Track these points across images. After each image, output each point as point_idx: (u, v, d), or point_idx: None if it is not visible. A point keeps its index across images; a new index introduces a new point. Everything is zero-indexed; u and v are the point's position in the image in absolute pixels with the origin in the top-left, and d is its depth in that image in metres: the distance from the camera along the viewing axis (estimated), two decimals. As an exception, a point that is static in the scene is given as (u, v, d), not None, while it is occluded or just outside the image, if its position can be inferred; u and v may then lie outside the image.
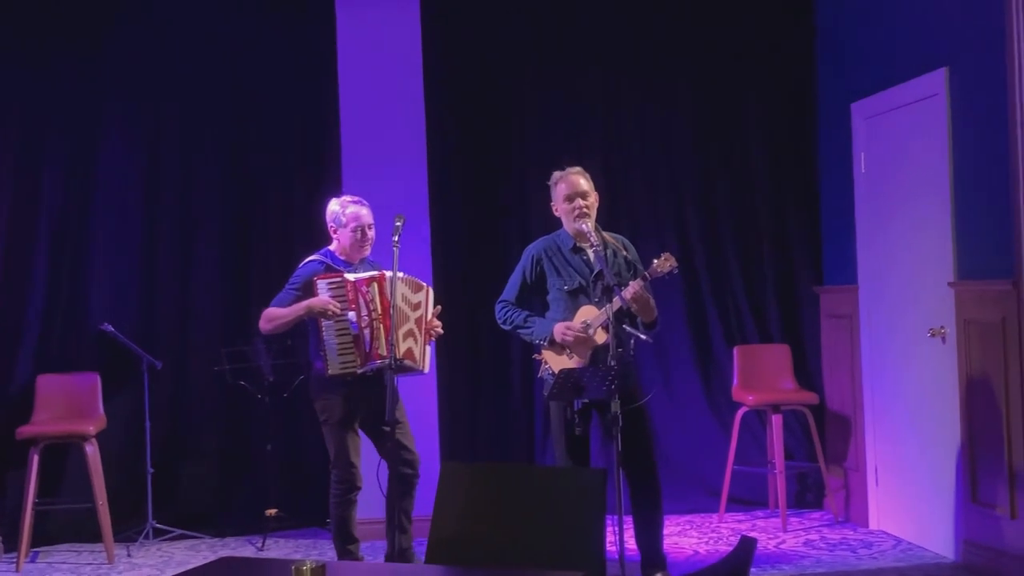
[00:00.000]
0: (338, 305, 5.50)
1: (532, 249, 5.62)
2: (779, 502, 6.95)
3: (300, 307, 5.57)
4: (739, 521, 7.13)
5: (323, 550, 6.60)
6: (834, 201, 7.24)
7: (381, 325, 5.46)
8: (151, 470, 6.83)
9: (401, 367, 5.47)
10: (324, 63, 7.11)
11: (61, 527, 6.99)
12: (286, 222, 7.35)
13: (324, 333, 5.52)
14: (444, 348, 6.93)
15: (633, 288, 5.18)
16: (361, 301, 5.49)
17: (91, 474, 6.56)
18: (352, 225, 5.67)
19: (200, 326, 7.33)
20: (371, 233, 5.74)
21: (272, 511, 6.85)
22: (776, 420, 6.92)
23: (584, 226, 5.37)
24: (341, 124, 6.99)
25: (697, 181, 7.56)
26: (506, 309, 5.60)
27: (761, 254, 7.55)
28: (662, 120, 7.57)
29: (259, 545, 6.80)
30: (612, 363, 5.02)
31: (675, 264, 5.22)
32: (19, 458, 6.61)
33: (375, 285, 5.51)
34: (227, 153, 7.39)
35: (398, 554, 5.57)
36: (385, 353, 5.37)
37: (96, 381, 6.89)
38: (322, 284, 5.55)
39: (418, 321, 5.63)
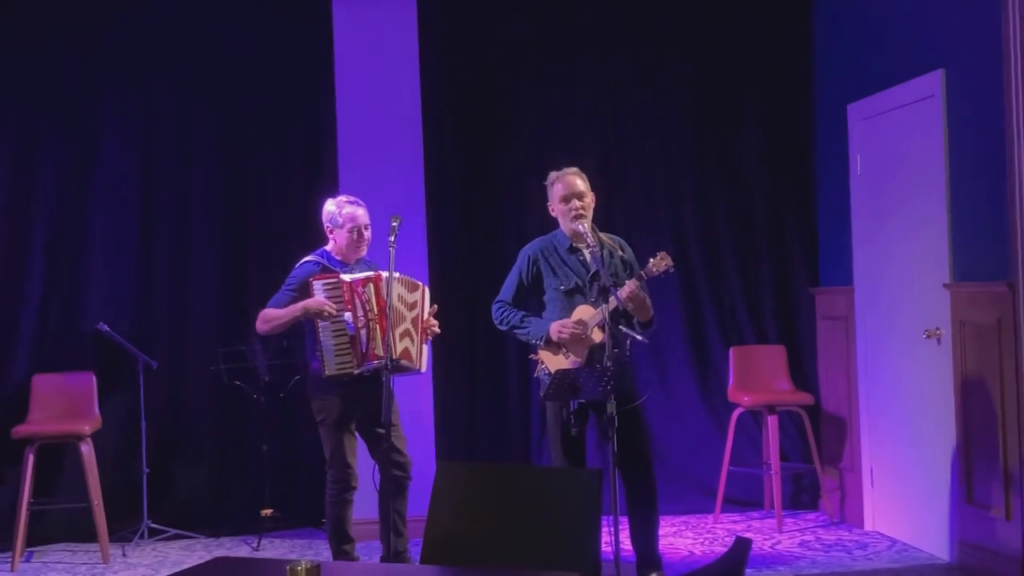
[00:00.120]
0: (334, 306, 5.50)
1: (528, 249, 5.63)
2: (775, 503, 6.96)
3: (296, 308, 5.56)
4: (735, 522, 7.14)
5: (319, 550, 6.60)
6: (830, 202, 7.24)
7: (377, 325, 5.46)
8: (146, 470, 6.83)
9: (398, 367, 5.47)
10: (321, 62, 7.11)
11: (56, 527, 6.98)
12: (283, 222, 7.34)
13: (320, 334, 5.52)
14: (440, 348, 6.93)
15: (629, 288, 5.19)
16: (357, 302, 5.49)
17: (86, 474, 6.56)
18: (348, 225, 5.67)
19: (196, 326, 7.32)
20: (367, 233, 5.74)
21: (268, 511, 6.85)
22: (772, 421, 6.92)
23: (580, 227, 5.38)
24: (338, 124, 6.99)
25: (694, 181, 7.57)
26: (502, 309, 5.60)
27: (757, 255, 7.56)
28: (660, 120, 7.57)
29: (254, 545, 6.80)
30: (608, 364, 5.02)
31: (671, 264, 5.23)
32: (14, 457, 6.61)
33: (371, 285, 5.51)
34: (224, 153, 7.39)
35: (393, 556, 5.57)
36: (382, 353, 5.37)
37: (92, 381, 6.88)
38: (318, 285, 5.55)
39: (414, 321, 5.63)
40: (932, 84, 5.96)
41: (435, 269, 7.00)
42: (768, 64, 7.53)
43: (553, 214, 5.57)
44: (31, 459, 6.52)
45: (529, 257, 5.59)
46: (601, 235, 5.55)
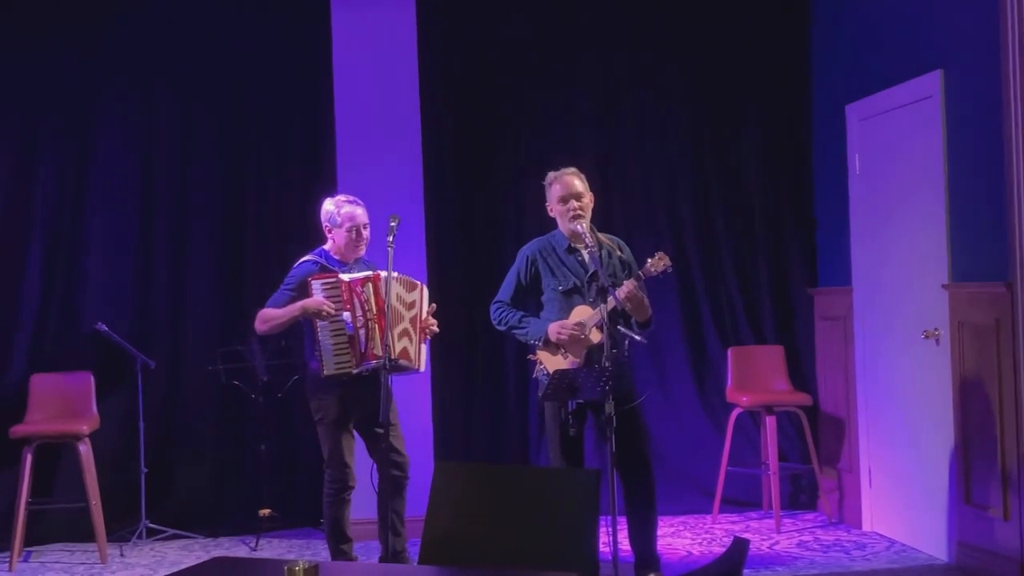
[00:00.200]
0: (332, 305, 5.50)
1: (527, 250, 5.63)
2: (773, 503, 6.96)
3: (295, 308, 5.56)
4: (733, 522, 7.14)
5: (317, 550, 6.60)
6: (828, 203, 7.25)
7: (376, 325, 5.46)
8: (144, 470, 6.83)
9: (396, 367, 5.47)
10: (320, 62, 7.11)
11: (54, 527, 6.98)
12: (281, 222, 7.35)
13: (319, 333, 5.52)
14: (439, 348, 6.92)
15: (627, 288, 5.19)
16: (356, 301, 5.48)
17: (84, 473, 6.55)
18: (347, 225, 5.66)
19: (194, 326, 7.32)
20: (366, 233, 5.73)
21: (266, 511, 6.85)
22: (770, 421, 6.92)
23: (579, 227, 5.37)
24: (336, 123, 6.99)
25: (693, 181, 7.57)
26: (501, 310, 5.60)
27: (756, 255, 7.56)
28: (659, 120, 7.57)
29: (252, 545, 6.80)
30: (606, 364, 5.02)
31: (669, 264, 5.23)
32: (12, 457, 6.60)
33: (370, 285, 5.51)
34: (223, 153, 7.39)
35: (392, 556, 5.57)
36: (380, 353, 5.37)
37: (90, 381, 6.88)
38: (316, 284, 5.55)
39: (413, 320, 5.63)
40: (931, 84, 5.97)
41: (433, 269, 7.00)
42: (767, 64, 7.53)
43: (552, 214, 5.57)
44: (29, 459, 6.51)
45: (527, 257, 5.59)
46: (600, 235, 5.55)
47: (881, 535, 6.66)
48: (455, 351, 7.27)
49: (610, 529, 4.90)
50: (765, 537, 6.73)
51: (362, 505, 5.98)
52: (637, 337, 5.23)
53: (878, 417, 6.68)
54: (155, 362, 6.89)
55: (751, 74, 7.55)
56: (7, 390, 7.00)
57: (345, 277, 5.54)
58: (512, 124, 7.51)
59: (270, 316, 5.63)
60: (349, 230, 5.67)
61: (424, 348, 5.77)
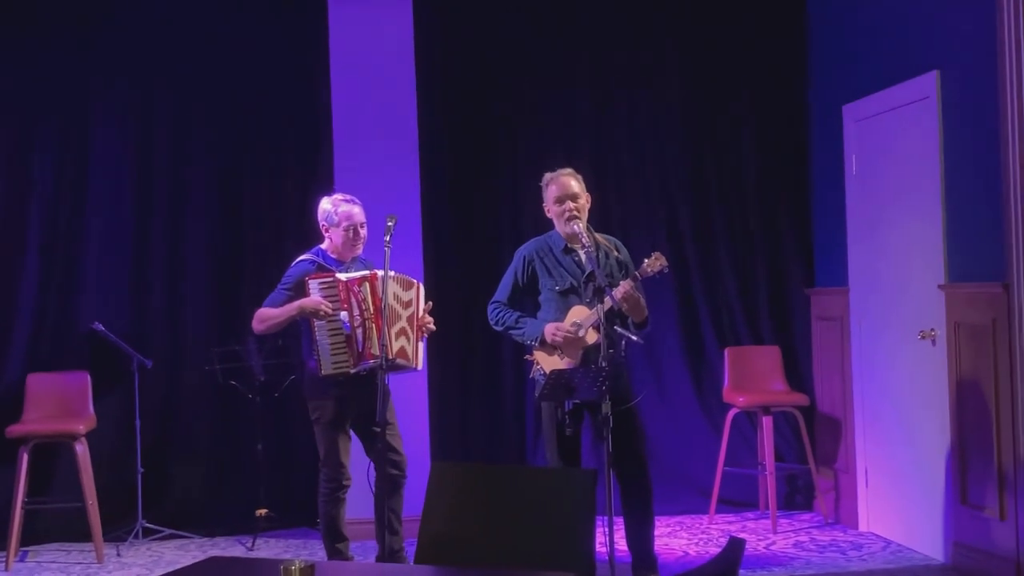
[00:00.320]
0: (330, 305, 5.50)
1: (524, 250, 5.63)
2: (769, 503, 6.96)
3: (292, 307, 5.56)
4: (729, 522, 7.14)
5: (313, 550, 6.59)
6: (826, 203, 7.25)
7: (373, 324, 5.46)
8: (141, 469, 6.82)
9: (394, 366, 5.47)
10: (317, 61, 7.11)
11: (50, 526, 6.97)
12: (278, 221, 7.35)
13: (316, 333, 5.52)
14: (435, 348, 6.93)
15: (623, 288, 5.19)
16: (353, 301, 5.48)
17: (81, 473, 6.55)
18: (344, 224, 5.66)
19: (191, 325, 7.32)
20: (363, 232, 5.73)
21: (262, 511, 6.85)
22: (767, 421, 6.92)
23: (575, 227, 5.38)
24: (333, 122, 6.99)
25: (689, 181, 7.57)
26: (498, 310, 5.61)
27: (753, 255, 7.57)
28: (655, 120, 7.58)
29: (249, 545, 6.79)
30: (603, 364, 5.02)
31: (665, 264, 5.23)
32: (9, 457, 6.59)
33: (367, 285, 5.51)
34: (220, 153, 7.38)
35: (389, 555, 5.56)
36: (378, 352, 5.37)
37: (86, 380, 6.88)
38: (313, 284, 5.55)
39: (410, 319, 5.63)
40: (927, 85, 5.97)
41: (430, 269, 7.00)
42: (764, 65, 7.54)
43: (548, 215, 5.57)
44: (25, 458, 6.51)
45: (524, 258, 5.59)
46: (596, 235, 5.55)
47: (877, 535, 6.67)
48: (452, 351, 7.28)
49: (607, 529, 4.90)
50: (761, 537, 6.73)
51: (359, 505, 5.97)
52: (634, 337, 5.23)
53: (874, 417, 6.68)
54: (152, 362, 6.89)
55: (748, 74, 7.56)
56: (3, 390, 6.99)
57: (342, 276, 5.54)
58: (510, 124, 7.51)
59: (267, 316, 5.63)
60: (346, 229, 5.67)
61: (421, 346, 5.77)
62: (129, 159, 7.29)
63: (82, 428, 6.60)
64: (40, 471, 6.83)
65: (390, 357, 5.37)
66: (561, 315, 5.42)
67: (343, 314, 5.50)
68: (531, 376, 5.62)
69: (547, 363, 5.40)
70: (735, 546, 3.03)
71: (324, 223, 5.73)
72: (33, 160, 7.15)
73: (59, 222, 7.17)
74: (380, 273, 5.47)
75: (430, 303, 5.78)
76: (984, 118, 5.53)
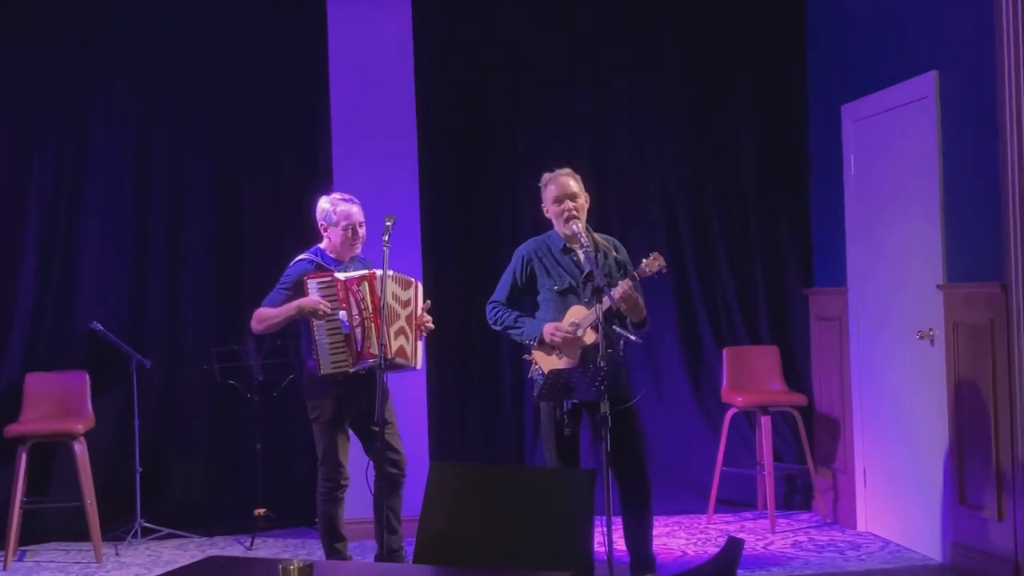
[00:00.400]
0: (328, 305, 5.50)
1: (522, 250, 5.63)
2: (767, 503, 6.96)
3: (291, 307, 5.56)
4: (727, 522, 7.14)
5: (311, 549, 6.59)
6: (824, 203, 7.25)
7: (372, 324, 5.46)
8: (139, 469, 6.82)
9: (393, 365, 5.47)
10: (316, 61, 7.11)
11: (49, 526, 6.97)
12: (277, 220, 7.35)
13: (315, 333, 5.52)
14: (434, 348, 6.93)
15: (622, 288, 5.19)
16: (352, 300, 5.49)
17: (79, 473, 6.55)
18: (343, 223, 5.67)
19: (190, 325, 7.31)
20: (362, 231, 5.74)
21: (261, 510, 6.85)
22: (765, 421, 6.93)
23: (574, 227, 5.38)
24: (332, 122, 6.98)
25: (688, 182, 7.58)
26: (497, 310, 5.61)
27: (751, 255, 7.57)
28: (654, 120, 7.58)
29: (248, 544, 6.79)
30: (602, 364, 5.02)
31: (663, 264, 5.24)
32: (7, 457, 6.59)
33: (366, 284, 5.51)
34: (219, 152, 7.38)
35: (387, 554, 5.56)
36: (377, 352, 5.37)
37: (85, 380, 6.88)
38: (312, 284, 5.55)
39: (408, 318, 5.63)
40: (926, 85, 5.97)
41: (429, 269, 7.00)
42: (763, 65, 7.54)
43: (547, 215, 5.57)
44: (24, 458, 6.51)
45: (523, 257, 5.59)
46: (595, 235, 5.55)
47: (875, 535, 6.67)
48: (451, 351, 7.28)
49: (605, 529, 4.90)
50: (760, 537, 6.73)
51: (357, 504, 5.98)
52: (632, 337, 5.23)
53: (873, 417, 6.68)
54: (151, 361, 6.89)
55: (748, 74, 7.56)
56: (2, 389, 6.98)
57: (341, 276, 5.54)
58: (509, 123, 7.51)
59: (266, 316, 5.63)
60: (345, 228, 5.67)
61: (420, 345, 5.77)
62: (129, 159, 7.29)
63: (81, 428, 6.60)
64: (39, 471, 6.83)
65: (389, 356, 5.37)
66: (559, 315, 5.42)
67: (342, 313, 5.50)
68: (529, 376, 5.62)
69: (546, 363, 5.40)
70: (733, 546, 3.03)
71: (322, 222, 5.73)
72: (33, 160, 7.14)
73: (58, 221, 7.17)
74: (379, 272, 5.47)
75: (428, 302, 5.78)
76: (983, 118, 5.53)
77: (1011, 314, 5.33)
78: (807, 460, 7.11)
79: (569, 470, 5.18)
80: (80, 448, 6.57)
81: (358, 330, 5.48)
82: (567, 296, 5.45)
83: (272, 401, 6.98)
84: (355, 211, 5.70)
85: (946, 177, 5.86)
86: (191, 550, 6.74)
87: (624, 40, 7.54)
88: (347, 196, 5.76)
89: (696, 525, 7.05)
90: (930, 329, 5.99)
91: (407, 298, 5.64)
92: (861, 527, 6.80)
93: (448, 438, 7.23)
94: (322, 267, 5.67)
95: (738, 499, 7.44)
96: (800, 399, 7.09)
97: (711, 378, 7.49)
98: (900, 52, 6.26)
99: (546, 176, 5.56)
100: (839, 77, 6.98)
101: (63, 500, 6.76)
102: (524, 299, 5.62)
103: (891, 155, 6.42)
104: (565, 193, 5.46)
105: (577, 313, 5.36)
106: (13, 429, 6.56)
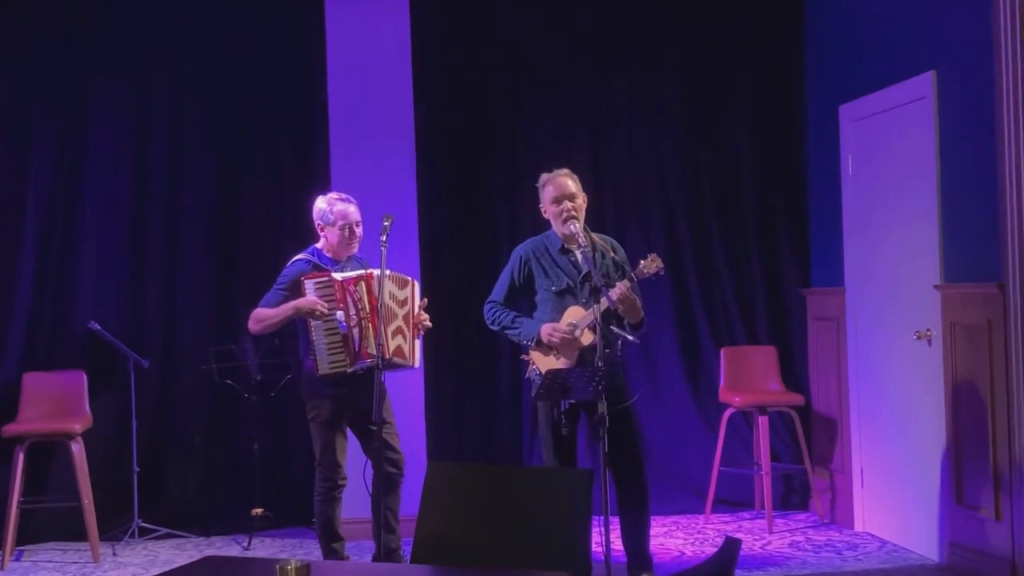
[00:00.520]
0: (325, 305, 5.49)
1: (520, 250, 5.63)
2: (765, 503, 6.97)
3: (288, 307, 5.56)
4: (725, 522, 7.14)
5: (309, 549, 6.59)
6: (821, 203, 7.25)
7: (370, 324, 5.46)
8: (137, 469, 6.82)
9: (391, 365, 5.47)
10: (314, 60, 7.11)
11: (46, 525, 6.97)
12: (275, 220, 7.35)
13: (313, 333, 5.51)
14: (432, 348, 6.93)
15: (620, 289, 5.19)
16: (349, 300, 5.48)
17: (77, 472, 6.54)
18: (340, 223, 5.66)
19: (187, 325, 7.32)
20: (359, 231, 5.73)
21: (258, 510, 6.85)
22: (762, 422, 6.93)
23: (572, 228, 5.38)
24: (330, 122, 6.98)
25: (686, 182, 7.58)
26: (494, 310, 5.61)
27: (749, 256, 7.57)
28: (652, 120, 7.58)
29: (245, 544, 6.79)
30: (599, 364, 5.02)
31: (661, 265, 5.24)
32: (5, 456, 6.59)
33: (363, 284, 5.51)
34: (216, 152, 7.38)
35: (385, 554, 5.56)
36: (375, 352, 5.37)
37: (82, 379, 6.88)
38: (309, 284, 5.54)
39: (406, 317, 5.63)
40: (924, 85, 5.98)
41: (427, 269, 7.00)
42: (762, 65, 7.54)
43: (545, 215, 5.57)
44: (21, 458, 6.51)
45: (521, 258, 5.59)
46: (593, 236, 5.55)
47: (873, 535, 6.67)
48: (448, 351, 7.28)
49: (603, 529, 4.90)
50: (757, 537, 6.73)
51: (355, 504, 5.98)
52: (630, 337, 5.24)
53: (870, 418, 6.69)
54: (148, 361, 6.89)
55: (747, 75, 7.56)
56: (0, 389, 6.99)
57: (338, 276, 5.54)
58: (507, 123, 7.51)
59: (263, 316, 5.63)
60: (342, 228, 5.66)
61: (417, 344, 5.77)
62: (127, 159, 7.29)
63: (78, 427, 6.60)
64: (36, 470, 6.83)
65: (387, 356, 5.37)
66: (557, 315, 5.42)
67: (339, 314, 5.49)
68: (527, 376, 5.62)
69: (543, 363, 5.40)
70: (731, 546, 3.03)
71: (319, 222, 5.73)
72: (29, 160, 7.13)
73: (56, 221, 7.17)
74: (376, 272, 5.47)
75: (425, 300, 5.78)
76: (980, 118, 5.53)
77: (1008, 314, 5.33)
78: (805, 460, 7.12)
79: (567, 470, 5.17)
80: (78, 448, 6.56)
81: (355, 330, 5.47)
82: (565, 297, 5.45)
83: (270, 401, 6.98)
84: (352, 211, 5.70)
85: (944, 177, 5.86)
86: (188, 550, 6.74)
87: (623, 40, 7.54)
88: (344, 196, 5.76)
89: (694, 525, 7.05)
90: (928, 329, 6.00)
91: (404, 297, 5.63)
92: (858, 527, 6.80)
93: (446, 438, 7.23)
94: (319, 267, 5.66)
95: (736, 499, 7.44)
96: (798, 399, 7.09)
97: (709, 378, 7.49)
98: (898, 52, 6.26)
99: (544, 176, 5.56)
100: (837, 77, 6.99)
101: (60, 500, 6.76)
102: (522, 299, 5.62)
103: (889, 155, 6.42)
104: (563, 193, 5.46)
105: (575, 314, 5.36)
106: (11, 429, 6.55)
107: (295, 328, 5.80)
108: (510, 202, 7.40)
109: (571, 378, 5.03)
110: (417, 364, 5.80)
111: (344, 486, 5.70)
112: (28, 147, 7.14)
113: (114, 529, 6.85)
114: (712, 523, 7.08)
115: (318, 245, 5.78)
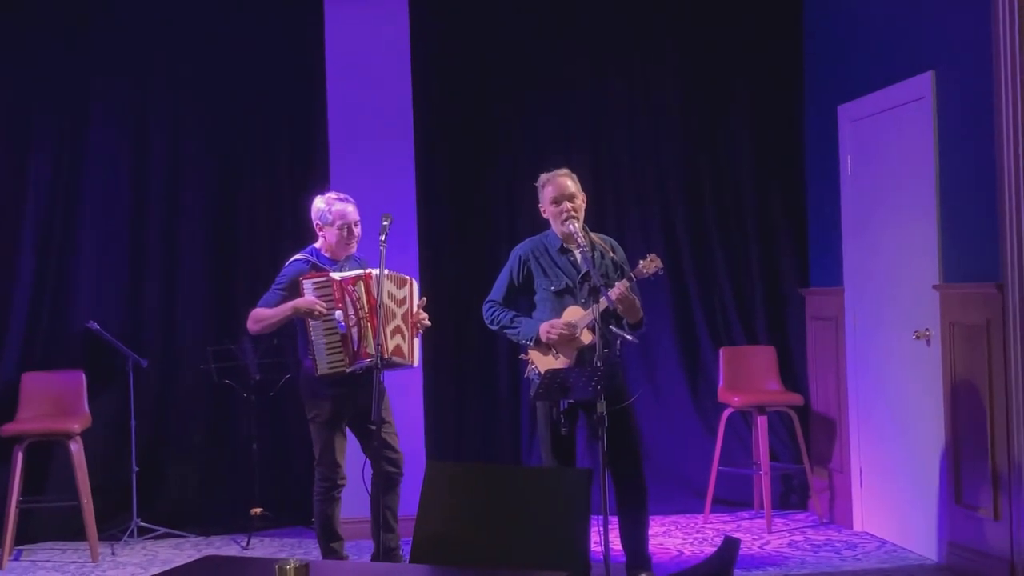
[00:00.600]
0: (324, 305, 5.49)
1: (519, 250, 5.63)
2: (764, 503, 6.97)
3: (287, 307, 5.55)
4: (724, 522, 7.15)
5: (308, 549, 6.59)
6: (820, 203, 7.26)
7: (368, 324, 5.46)
8: (136, 468, 6.82)
9: (390, 364, 5.47)
10: (314, 61, 7.11)
11: (45, 525, 6.97)
12: (274, 220, 7.35)
13: (312, 333, 5.51)
14: (431, 347, 6.93)
15: (619, 289, 5.19)
16: (348, 300, 5.48)
17: (76, 472, 6.54)
18: (338, 223, 5.66)
19: (186, 324, 7.32)
20: (357, 231, 5.73)
21: (257, 510, 6.85)
22: (761, 421, 6.93)
23: (571, 228, 5.38)
24: (329, 122, 6.98)
25: (685, 182, 7.58)
26: (493, 309, 5.61)
27: (748, 256, 7.57)
28: (651, 121, 7.58)
29: (244, 544, 6.79)
30: (598, 364, 5.02)
31: (660, 265, 5.24)
32: (3, 456, 6.59)
33: (361, 284, 5.51)
34: (215, 152, 7.38)
35: (384, 553, 5.56)
36: (373, 351, 5.37)
37: (81, 379, 6.88)
38: (308, 284, 5.54)
39: (404, 316, 5.63)
40: (923, 85, 5.98)
41: (426, 268, 7.00)
42: (761, 66, 7.54)
43: (544, 215, 5.58)
44: (20, 457, 6.51)
45: (520, 257, 5.59)
46: (592, 236, 5.55)
47: (872, 535, 6.68)
48: (447, 350, 7.28)
49: (601, 528, 4.91)
50: (756, 537, 6.74)
51: (354, 503, 5.98)
52: (629, 337, 5.24)
53: (869, 417, 6.69)
54: (147, 361, 6.89)
55: (746, 75, 7.56)
56: (-2, 388, 7.00)
57: (336, 276, 5.54)
58: (507, 124, 7.51)
59: (262, 316, 5.63)
60: (340, 228, 5.66)
61: (416, 343, 5.77)
62: (126, 159, 7.29)
63: (77, 427, 6.60)
64: (35, 470, 6.83)
65: (386, 356, 5.37)
66: (556, 315, 5.42)
67: (338, 314, 5.49)
68: (526, 376, 5.62)
69: (542, 363, 5.40)
70: (730, 546, 3.03)
71: (318, 222, 5.73)
72: (30, 159, 7.14)
73: (55, 221, 7.17)
74: (374, 272, 5.46)
75: (424, 299, 5.78)
76: (979, 118, 5.53)
77: (1007, 314, 5.34)
78: (803, 460, 7.12)
79: (566, 470, 5.17)
80: (76, 447, 6.56)
81: (354, 330, 5.47)
82: (564, 296, 5.45)
83: (268, 400, 6.99)
84: (350, 210, 5.70)
85: (942, 177, 5.87)
86: (187, 550, 6.74)
87: (624, 41, 7.55)
88: (342, 195, 5.76)
89: (692, 525, 7.05)
90: (926, 329, 6.00)
91: (403, 296, 5.63)
92: (857, 527, 6.80)
93: (445, 437, 7.23)
94: (318, 267, 5.66)
95: (735, 499, 7.44)
96: (796, 399, 7.09)
97: (708, 378, 7.49)
98: (897, 52, 6.27)
99: (544, 176, 5.56)
100: (836, 78, 6.99)
101: (59, 499, 6.76)
102: (521, 299, 5.63)
103: (888, 155, 6.42)
104: (563, 193, 5.46)
105: (574, 313, 5.37)
106: (9, 428, 6.55)
107: (294, 328, 5.80)
108: (510, 202, 7.40)
109: (570, 378, 5.03)
110: (416, 363, 5.80)
111: (343, 486, 5.70)
112: (28, 147, 7.14)
113: (113, 529, 6.85)
114: (711, 523, 7.08)
115: (317, 245, 5.78)
